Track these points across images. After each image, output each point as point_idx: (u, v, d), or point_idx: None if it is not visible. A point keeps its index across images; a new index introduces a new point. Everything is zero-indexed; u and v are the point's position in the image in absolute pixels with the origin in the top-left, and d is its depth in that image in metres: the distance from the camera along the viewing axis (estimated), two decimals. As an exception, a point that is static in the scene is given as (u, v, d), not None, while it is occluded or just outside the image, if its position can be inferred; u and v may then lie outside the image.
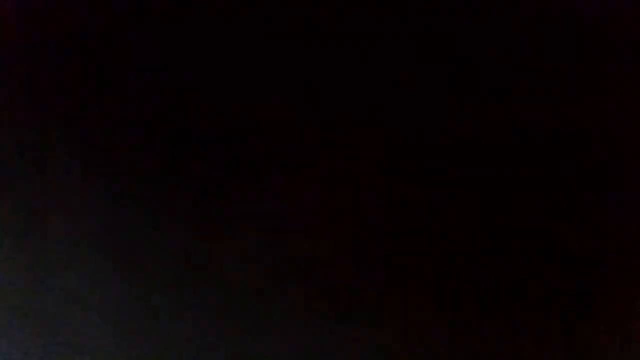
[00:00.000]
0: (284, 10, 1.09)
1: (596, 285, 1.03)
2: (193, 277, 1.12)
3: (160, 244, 1.13)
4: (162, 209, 1.13)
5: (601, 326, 1.03)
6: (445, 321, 1.06)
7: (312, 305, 1.09)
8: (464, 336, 1.06)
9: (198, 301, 1.12)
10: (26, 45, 1.17)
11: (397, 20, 1.06)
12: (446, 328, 1.06)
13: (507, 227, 1.04)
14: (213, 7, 1.11)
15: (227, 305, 1.11)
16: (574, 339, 1.03)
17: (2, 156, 1.19)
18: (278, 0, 1.09)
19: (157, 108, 1.13)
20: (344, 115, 1.07)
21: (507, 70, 1.03)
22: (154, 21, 1.13)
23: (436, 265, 1.06)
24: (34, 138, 1.17)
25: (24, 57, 1.18)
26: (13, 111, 1.18)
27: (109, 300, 1.13)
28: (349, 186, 1.08)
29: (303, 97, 1.08)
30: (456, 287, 1.05)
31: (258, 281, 1.10)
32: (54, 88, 1.17)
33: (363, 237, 1.08)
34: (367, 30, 1.07)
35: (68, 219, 1.16)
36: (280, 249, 1.10)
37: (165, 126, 1.13)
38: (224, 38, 1.11)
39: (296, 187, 1.09)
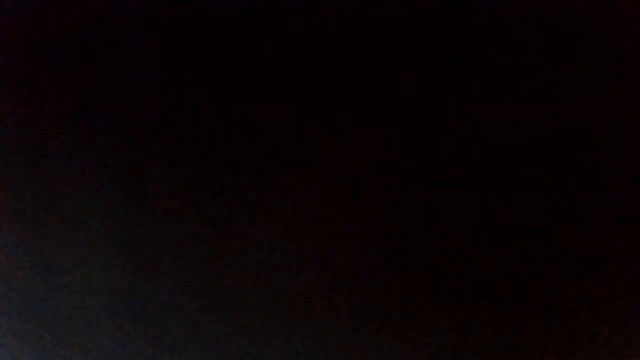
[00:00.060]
0: (284, 10, 1.09)
1: (596, 286, 1.03)
2: (193, 276, 1.12)
3: (160, 244, 1.13)
4: (162, 209, 1.13)
5: (601, 326, 1.03)
6: (445, 321, 1.06)
7: (311, 305, 1.09)
8: (464, 336, 1.06)
9: (198, 300, 1.12)
10: (26, 45, 1.17)
11: (397, 20, 1.06)
12: (446, 327, 1.06)
13: (507, 227, 1.04)
14: (213, 7, 1.11)
15: (228, 304, 1.11)
16: (573, 339, 1.03)
17: (3, 154, 1.19)
18: (278, 0, 1.09)
19: (157, 108, 1.13)
20: (344, 115, 1.07)
21: (507, 70, 1.03)
22: (154, 21, 1.13)
23: (436, 265, 1.06)
24: (35, 137, 1.17)
25: (24, 57, 1.18)
26: (15, 110, 1.18)
27: (113, 299, 1.13)
28: (349, 186, 1.08)
29: (303, 97, 1.08)
30: (456, 287, 1.05)
31: (258, 281, 1.10)
32: (55, 87, 1.17)
33: (363, 237, 1.08)
34: (367, 30, 1.06)
35: (70, 218, 1.16)
36: (281, 248, 1.10)
37: (165, 126, 1.13)
38: (224, 38, 1.11)
39: (296, 187, 1.09)
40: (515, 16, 1.02)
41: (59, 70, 1.16)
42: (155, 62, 1.13)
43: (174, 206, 1.12)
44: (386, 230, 1.07)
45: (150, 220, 1.13)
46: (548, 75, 1.02)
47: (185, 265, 1.12)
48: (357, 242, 1.08)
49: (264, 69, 1.10)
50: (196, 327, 1.12)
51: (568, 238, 1.03)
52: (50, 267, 1.16)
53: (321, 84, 1.08)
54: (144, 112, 1.13)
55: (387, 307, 1.07)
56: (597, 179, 1.02)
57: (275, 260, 1.10)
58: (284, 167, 1.09)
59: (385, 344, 1.07)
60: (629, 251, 1.02)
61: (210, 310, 1.12)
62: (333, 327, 1.09)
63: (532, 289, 1.04)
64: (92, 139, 1.15)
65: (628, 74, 1.01)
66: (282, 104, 1.09)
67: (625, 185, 1.02)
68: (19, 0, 1.17)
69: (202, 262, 1.12)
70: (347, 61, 1.07)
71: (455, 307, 1.05)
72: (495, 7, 1.02)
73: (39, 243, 1.17)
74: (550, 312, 1.04)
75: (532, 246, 1.04)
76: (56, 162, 1.16)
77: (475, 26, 1.03)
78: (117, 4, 1.14)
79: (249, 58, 1.10)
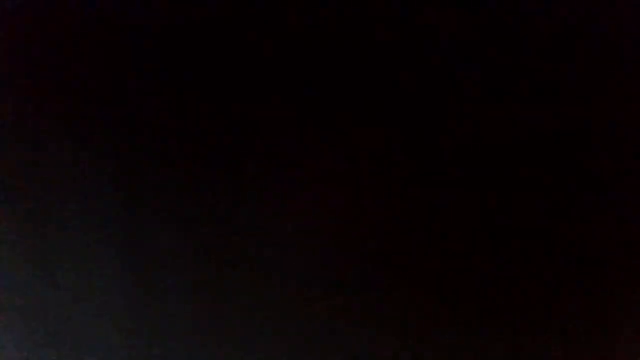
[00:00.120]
0: (284, 10, 1.09)
1: (596, 286, 1.03)
2: (192, 277, 1.12)
3: (159, 244, 1.13)
4: (161, 209, 1.13)
5: (601, 326, 1.03)
6: (445, 321, 1.06)
7: (311, 305, 1.09)
8: (464, 336, 1.06)
9: (198, 301, 1.12)
10: (26, 45, 1.18)
11: (397, 20, 1.06)
12: (446, 328, 1.06)
13: (507, 227, 1.04)
14: (213, 6, 1.11)
15: (229, 305, 1.11)
16: (573, 339, 1.03)
17: (3, 153, 1.19)
18: (278, 0, 1.09)
19: (156, 108, 1.13)
20: (344, 115, 1.08)
21: (507, 70, 1.03)
22: (154, 21, 1.13)
23: (436, 265, 1.06)
24: (35, 136, 1.17)
25: (24, 57, 1.18)
26: (14, 110, 1.18)
27: (113, 299, 1.14)
28: (349, 186, 1.08)
29: (303, 97, 1.08)
30: (456, 287, 1.06)
31: (258, 280, 1.10)
32: (55, 87, 1.17)
33: (363, 237, 1.08)
34: (367, 30, 1.06)
35: (70, 218, 1.16)
36: (281, 248, 1.10)
37: (165, 126, 1.13)
38: (223, 38, 1.11)
39: (296, 187, 1.09)
40: (515, 16, 1.02)
41: (56, 70, 1.16)
42: (155, 62, 1.13)
43: (172, 207, 1.12)
44: (386, 230, 1.07)
45: (151, 221, 1.13)
46: (548, 75, 1.02)
47: (185, 265, 1.12)
48: (357, 242, 1.08)
49: (263, 68, 1.10)
50: (197, 327, 1.12)
51: (568, 238, 1.03)
52: (49, 268, 1.16)
53: (321, 84, 1.08)
54: (143, 112, 1.13)
55: (386, 307, 1.07)
56: (597, 179, 1.02)
57: (275, 261, 1.10)
58: (283, 167, 1.09)
59: (385, 344, 1.07)
60: (629, 251, 1.02)
61: (212, 310, 1.12)
62: (333, 328, 1.09)
63: (532, 289, 1.04)
64: (92, 138, 1.15)
65: (628, 74, 1.01)
66: (282, 104, 1.09)
67: (625, 185, 1.02)
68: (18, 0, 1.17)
69: (202, 263, 1.12)
70: (347, 61, 1.07)
71: (455, 307, 1.05)
72: (495, 7, 1.02)
73: (37, 244, 1.17)
74: (550, 313, 1.04)
75: (532, 246, 1.04)
76: (58, 161, 1.16)
77: (475, 26, 1.03)
78: (117, 3, 1.14)
79: (249, 58, 1.10)
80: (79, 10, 1.15)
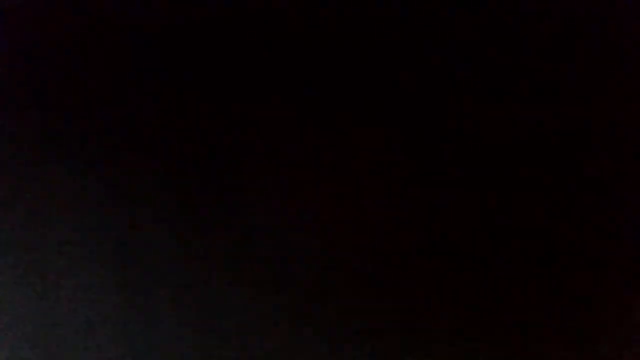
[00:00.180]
0: (284, 10, 1.09)
1: (596, 286, 1.03)
2: (192, 278, 1.12)
3: (159, 245, 1.13)
4: (161, 210, 1.13)
5: (601, 326, 1.03)
6: (445, 321, 1.06)
7: (311, 305, 1.09)
8: (463, 336, 1.05)
9: (198, 303, 1.12)
10: (26, 45, 1.17)
11: (397, 20, 1.06)
12: (446, 328, 1.06)
13: (507, 227, 1.04)
14: (213, 6, 1.11)
15: (227, 307, 1.11)
16: (573, 338, 1.03)
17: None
18: (278, 0, 1.09)
19: (156, 108, 1.13)
20: (344, 115, 1.07)
21: (507, 70, 1.03)
22: (155, 21, 1.13)
23: (436, 265, 1.06)
24: (33, 137, 1.17)
25: (24, 57, 1.18)
26: (13, 111, 1.18)
27: (109, 305, 1.13)
28: (349, 186, 1.08)
29: (303, 97, 1.08)
30: (456, 286, 1.05)
31: (258, 281, 1.10)
32: (54, 88, 1.16)
33: (363, 237, 1.08)
34: (367, 30, 1.06)
35: (68, 221, 1.15)
36: (280, 248, 1.10)
37: (165, 126, 1.13)
38: (224, 38, 1.11)
39: (296, 187, 1.09)
40: (515, 16, 1.02)
41: (59, 70, 1.16)
42: (155, 62, 1.13)
43: (173, 207, 1.12)
44: (386, 229, 1.07)
45: (150, 221, 1.13)
46: (548, 75, 1.02)
47: (184, 266, 1.12)
48: (357, 242, 1.08)
49: (264, 69, 1.10)
50: (197, 329, 1.12)
51: (568, 238, 1.03)
52: (48, 272, 1.16)
53: (321, 84, 1.08)
54: (143, 112, 1.13)
55: (386, 307, 1.07)
56: (597, 179, 1.02)
57: (275, 261, 1.10)
58: (283, 166, 1.09)
59: (385, 343, 1.07)
60: (629, 251, 1.02)
61: (211, 314, 1.12)
62: (332, 328, 1.08)
63: (532, 289, 1.04)
64: (91, 138, 1.15)
65: (628, 74, 1.01)
66: (282, 104, 1.09)
67: (626, 186, 1.02)
68: (18, 1, 1.17)
69: (201, 263, 1.12)
70: (347, 61, 1.07)
71: (455, 307, 1.05)
72: (495, 7, 1.02)
73: (37, 248, 1.17)
74: (550, 313, 1.04)
75: (532, 246, 1.04)
76: (55, 163, 1.16)
77: (475, 26, 1.03)
78: (117, 3, 1.14)
79: (249, 58, 1.10)
80: (79, 10, 1.14)
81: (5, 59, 1.19)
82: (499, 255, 1.04)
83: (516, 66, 1.02)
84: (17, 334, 1.14)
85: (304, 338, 1.09)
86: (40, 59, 1.17)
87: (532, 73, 1.02)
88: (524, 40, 1.02)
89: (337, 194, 1.08)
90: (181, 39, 1.12)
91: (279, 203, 1.09)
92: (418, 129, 1.05)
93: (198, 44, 1.11)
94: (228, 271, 1.11)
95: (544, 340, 1.04)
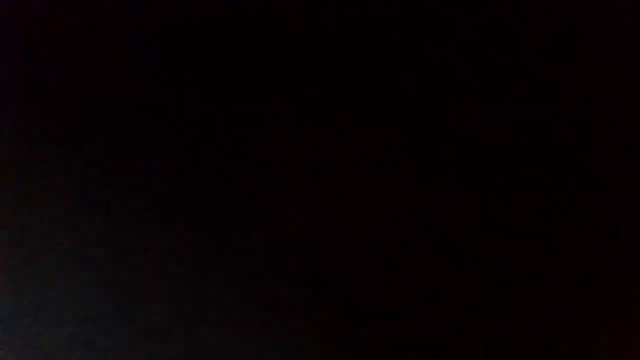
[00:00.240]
0: (284, 10, 1.09)
1: (596, 286, 1.03)
2: (193, 279, 1.12)
3: (158, 245, 1.13)
4: (159, 213, 1.13)
5: (601, 326, 1.03)
6: (445, 321, 1.06)
7: (311, 305, 1.09)
8: (463, 336, 1.05)
9: (192, 313, 1.12)
10: (26, 45, 1.17)
11: (397, 20, 1.06)
12: (445, 328, 1.06)
13: (507, 227, 1.04)
14: (213, 6, 1.11)
15: (222, 316, 1.11)
16: (573, 339, 1.03)
17: None
18: (278, 0, 1.09)
19: (156, 108, 1.13)
20: (344, 115, 1.07)
21: (507, 70, 1.03)
22: (155, 21, 1.13)
23: (436, 265, 1.06)
24: (33, 137, 1.17)
25: (23, 58, 1.18)
26: (13, 111, 1.18)
27: (97, 313, 1.13)
28: (349, 186, 1.08)
29: (303, 97, 1.08)
30: (456, 286, 1.05)
31: (257, 281, 1.10)
32: (54, 88, 1.17)
33: (363, 237, 1.08)
34: (367, 30, 1.06)
35: (63, 223, 1.15)
36: (280, 248, 1.10)
37: (165, 126, 1.13)
38: (224, 38, 1.11)
39: (296, 187, 1.09)
40: (515, 16, 1.02)
41: (57, 70, 1.16)
42: (155, 62, 1.13)
43: (173, 208, 1.12)
44: (386, 230, 1.07)
45: (150, 222, 1.13)
46: (548, 75, 1.02)
47: (183, 268, 1.12)
48: (357, 242, 1.08)
49: (264, 68, 1.10)
50: (197, 333, 1.12)
51: (568, 238, 1.03)
52: (27, 284, 1.16)
53: (321, 84, 1.08)
54: (143, 112, 1.13)
55: (386, 307, 1.07)
56: (597, 179, 1.02)
57: (275, 260, 1.10)
58: (283, 167, 1.09)
59: (385, 343, 1.07)
60: (629, 251, 1.02)
61: (211, 319, 1.12)
62: (332, 329, 1.08)
63: (532, 289, 1.04)
64: (88, 140, 1.15)
65: (628, 74, 1.01)
66: (282, 104, 1.09)
67: (625, 185, 1.02)
68: (17, 2, 1.17)
69: (200, 264, 1.12)
70: (347, 61, 1.07)
71: (455, 307, 1.05)
72: (495, 7, 1.02)
73: (27, 258, 1.17)
74: (550, 313, 1.04)
75: (532, 246, 1.04)
76: (51, 166, 1.16)
77: (475, 26, 1.03)
78: (117, 3, 1.14)
79: (249, 58, 1.10)
80: (79, 10, 1.14)
81: (5, 59, 1.19)
82: (499, 255, 1.04)
83: (516, 66, 1.02)
84: (2, 345, 1.14)
85: (304, 340, 1.09)
86: (40, 59, 1.17)
87: (532, 73, 1.02)
88: (524, 40, 1.02)
89: (337, 193, 1.08)
90: (181, 39, 1.12)
91: (278, 203, 1.10)
92: (418, 129, 1.05)
93: (198, 44, 1.12)
94: (224, 274, 1.11)
95: (544, 341, 1.04)
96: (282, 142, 1.10)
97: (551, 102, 1.02)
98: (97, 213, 1.14)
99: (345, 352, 1.08)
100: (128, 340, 1.11)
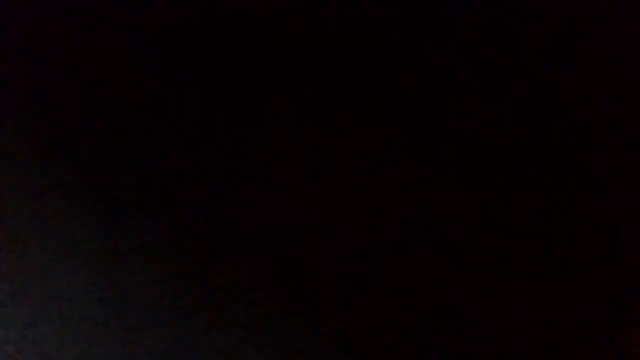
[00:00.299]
0: (284, 10, 1.09)
1: (596, 286, 1.03)
2: (192, 280, 1.12)
3: (156, 245, 1.13)
4: (160, 210, 1.13)
5: (601, 326, 1.03)
6: (445, 321, 1.06)
7: (310, 306, 1.09)
8: (463, 336, 1.05)
9: (187, 318, 1.12)
10: (26, 45, 1.17)
11: (397, 20, 1.06)
12: (445, 328, 1.06)
13: (507, 227, 1.04)
14: (213, 6, 1.11)
15: (225, 313, 1.11)
16: (573, 339, 1.03)
17: None
18: (278, 0, 1.09)
19: (156, 108, 1.13)
20: (344, 115, 1.07)
21: (507, 70, 1.03)
22: (155, 21, 1.13)
23: (435, 265, 1.06)
24: (33, 137, 1.17)
25: (24, 57, 1.18)
26: (13, 111, 1.18)
27: (88, 316, 1.13)
28: (349, 186, 1.08)
29: (303, 97, 1.08)
30: (455, 286, 1.05)
31: (256, 281, 1.10)
32: (54, 88, 1.17)
33: (362, 237, 1.08)
34: (367, 30, 1.06)
35: (63, 223, 1.15)
36: (280, 249, 1.10)
37: (165, 126, 1.13)
38: (224, 38, 1.11)
39: (296, 187, 1.09)
40: (515, 16, 1.02)
41: (56, 70, 1.16)
42: (154, 62, 1.13)
43: (172, 209, 1.12)
44: (386, 230, 1.07)
45: (149, 222, 1.13)
46: (548, 75, 1.02)
47: (183, 268, 1.12)
48: (357, 242, 1.08)
49: (264, 68, 1.10)
50: (177, 350, 1.12)
51: (568, 238, 1.03)
52: (24, 283, 1.16)
53: (321, 84, 1.08)
54: (142, 113, 1.13)
55: (386, 307, 1.07)
56: (597, 179, 1.02)
57: (275, 260, 1.10)
58: (283, 167, 1.09)
59: (385, 343, 1.07)
60: (629, 251, 1.02)
61: (211, 324, 1.12)
62: (332, 329, 1.08)
63: (532, 289, 1.04)
64: (87, 139, 1.15)
65: (628, 74, 1.01)
66: (282, 104, 1.09)
67: (625, 185, 1.02)
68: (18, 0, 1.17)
69: (199, 265, 1.12)
70: (347, 61, 1.07)
71: (454, 307, 1.05)
72: (495, 7, 1.02)
73: (27, 254, 1.17)
74: (550, 312, 1.04)
75: (532, 246, 1.04)
76: (47, 167, 1.16)
77: (475, 26, 1.03)
78: (117, 3, 1.14)
79: (249, 58, 1.10)
80: (79, 10, 1.14)
81: (6, 59, 1.19)
82: (499, 255, 1.04)
83: (516, 66, 1.02)
84: None
85: (303, 340, 1.09)
86: (40, 59, 1.17)
87: (532, 73, 1.02)
88: (524, 40, 1.02)
89: (337, 194, 1.08)
90: (181, 39, 1.12)
91: (278, 203, 1.10)
92: (418, 129, 1.05)
93: (198, 44, 1.12)
94: (224, 275, 1.11)
95: (544, 340, 1.04)
96: (282, 142, 1.10)
97: (551, 102, 1.02)
98: (96, 213, 1.14)
99: (345, 352, 1.08)
100: (123, 339, 1.11)
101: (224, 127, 1.11)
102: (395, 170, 1.06)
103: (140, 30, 1.13)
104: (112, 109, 1.15)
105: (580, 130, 1.02)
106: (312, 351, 1.09)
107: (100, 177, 1.14)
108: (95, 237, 1.14)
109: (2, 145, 1.18)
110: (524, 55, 1.02)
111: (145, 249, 1.13)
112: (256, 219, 1.10)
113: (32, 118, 1.17)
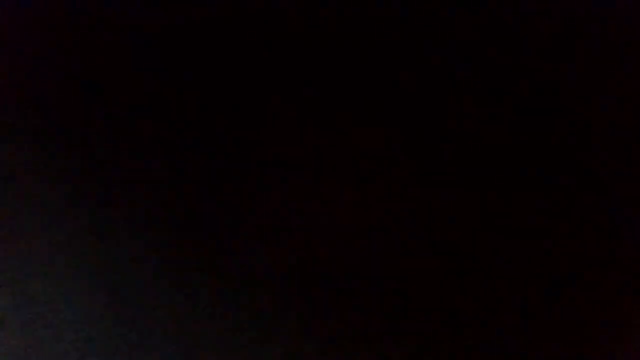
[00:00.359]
0: (284, 10, 1.09)
1: (596, 286, 1.03)
2: (191, 279, 1.12)
3: (156, 245, 1.13)
4: (159, 210, 1.13)
5: (601, 327, 1.03)
6: (444, 321, 1.06)
7: (311, 305, 1.09)
8: (463, 336, 1.06)
9: (197, 307, 1.12)
10: (26, 45, 1.17)
11: (397, 20, 1.06)
12: (445, 328, 1.06)
13: (507, 227, 1.04)
14: (213, 6, 1.11)
15: (226, 313, 1.11)
16: (573, 339, 1.03)
17: None
18: (278, 0, 1.09)
19: (156, 108, 1.13)
20: (344, 115, 1.07)
21: (507, 70, 1.03)
22: (155, 21, 1.13)
23: (435, 265, 1.06)
24: (33, 138, 1.17)
25: (24, 57, 1.18)
26: (13, 111, 1.18)
27: (94, 314, 1.13)
28: (349, 186, 1.08)
29: (303, 97, 1.08)
30: (455, 287, 1.06)
31: (256, 281, 1.10)
32: (54, 88, 1.17)
33: (362, 237, 1.08)
34: (367, 30, 1.07)
35: (62, 224, 1.16)
36: (280, 249, 1.10)
37: (165, 126, 1.13)
38: (224, 38, 1.11)
39: (295, 187, 1.09)
40: (515, 16, 1.02)
41: (54, 71, 1.16)
42: (154, 62, 1.13)
43: (172, 209, 1.12)
44: (386, 230, 1.07)
45: (148, 222, 1.13)
46: (548, 75, 1.02)
47: (182, 268, 1.12)
48: (356, 242, 1.08)
49: (264, 68, 1.10)
50: (186, 351, 1.12)
51: (568, 238, 1.03)
52: (23, 280, 1.16)
53: (321, 84, 1.08)
54: (142, 113, 1.13)
55: (386, 307, 1.07)
56: (597, 179, 1.02)
57: (275, 261, 1.10)
58: (283, 167, 1.09)
59: (385, 344, 1.07)
60: (629, 251, 1.02)
61: (203, 335, 1.12)
62: (331, 329, 1.08)
63: (532, 289, 1.04)
64: (85, 139, 1.15)
65: (628, 74, 1.01)
66: (282, 104, 1.09)
67: (625, 185, 1.02)
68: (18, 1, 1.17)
69: (199, 265, 1.12)
70: (347, 61, 1.07)
71: (455, 307, 1.05)
72: (495, 7, 1.02)
73: (27, 254, 1.17)
74: (550, 313, 1.04)
75: (532, 246, 1.04)
76: (50, 166, 1.16)
77: (475, 26, 1.03)
78: (117, 3, 1.14)
79: (249, 58, 1.10)
80: (79, 10, 1.15)
81: (6, 59, 1.19)
82: (499, 255, 1.04)
83: (516, 66, 1.02)
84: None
85: (303, 340, 1.09)
86: (40, 59, 1.17)
87: (532, 73, 1.02)
88: (524, 40, 1.02)
89: (337, 194, 1.08)
90: (181, 39, 1.12)
91: (278, 203, 1.10)
92: (418, 129, 1.05)
93: (198, 44, 1.12)
94: (224, 275, 1.11)
95: (544, 341, 1.04)
96: (282, 142, 1.10)
97: (551, 102, 1.02)
98: (96, 212, 1.14)
99: (345, 352, 1.08)
100: (123, 337, 1.11)
101: (224, 127, 1.11)
102: (395, 170, 1.06)
103: (140, 30, 1.13)
104: (112, 109, 1.15)
105: (580, 130, 1.02)
106: (311, 351, 1.09)
107: (100, 178, 1.14)
108: (95, 238, 1.14)
109: (2, 145, 1.18)
110: (524, 55, 1.02)
111: (145, 249, 1.13)
112: (256, 219, 1.10)
113: (32, 118, 1.17)
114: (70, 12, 1.16)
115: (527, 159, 1.03)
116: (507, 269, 1.05)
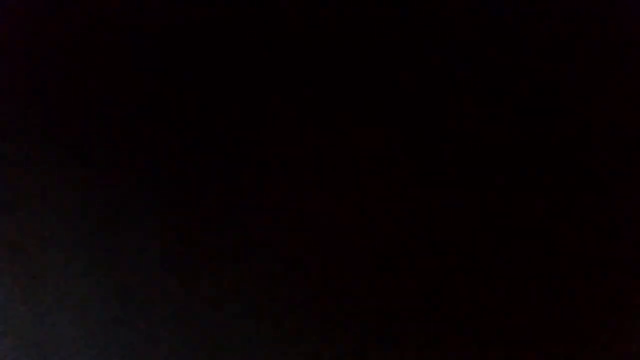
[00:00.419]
0: (284, 10, 1.09)
1: (596, 286, 1.03)
2: (191, 279, 1.12)
3: (156, 244, 1.13)
4: (159, 210, 1.13)
5: (601, 326, 1.03)
6: (444, 321, 1.06)
7: (310, 306, 1.09)
8: (463, 336, 1.06)
9: (196, 307, 1.12)
10: (26, 45, 1.17)
11: (397, 20, 1.06)
12: (445, 328, 1.06)
13: (507, 227, 1.04)
14: (213, 6, 1.11)
15: (226, 313, 1.11)
16: (573, 339, 1.03)
17: None
18: (278, 1, 1.09)
19: (156, 108, 1.13)
20: (344, 115, 1.08)
21: (507, 70, 1.03)
22: (155, 21, 1.13)
23: (435, 265, 1.06)
24: (33, 137, 1.17)
25: (24, 57, 1.18)
26: (13, 111, 1.18)
27: (94, 315, 1.13)
28: (349, 186, 1.08)
29: (303, 97, 1.08)
30: (455, 286, 1.06)
31: (255, 282, 1.10)
32: (54, 88, 1.17)
33: (362, 237, 1.08)
34: (367, 30, 1.07)
35: (63, 222, 1.16)
36: (280, 249, 1.10)
37: (165, 126, 1.13)
38: (224, 38, 1.11)
39: (296, 187, 1.09)
40: (515, 16, 1.02)
41: (54, 71, 1.16)
42: (154, 62, 1.13)
43: (172, 209, 1.12)
44: (385, 230, 1.07)
45: (148, 221, 1.13)
46: (548, 75, 1.02)
47: (182, 268, 1.12)
48: (356, 242, 1.08)
49: (264, 68, 1.10)
50: (187, 350, 1.12)
51: (568, 238, 1.03)
52: (23, 279, 1.16)
53: (321, 84, 1.08)
54: (142, 113, 1.13)
55: (386, 307, 1.07)
56: (597, 179, 1.02)
57: (275, 261, 1.10)
58: (283, 167, 1.09)
59: (385, 344, 1.07)
60: (629, 251, 1.02)
61: (204, 333, 1.12)
62: (331, 329, 1.08)
63: (532, 289, 1.04)
64: (86, 139, 1.15)
65: (628, 74, 1.01)
66: (282, 104, 1.09)
67: (625, 185, 1.02)
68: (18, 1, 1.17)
69: (198, 266, 1.12)
70: (347, 61, 1.07)
71: (454, 308, 1.05)
72: (495, 7, 1.02)
73: (27, 253, 1.17)
74: (550, 312, 1.04)
75: (532, 246, 1.04)
76: (50, 166, 1.16)
77: (475, 26, 1.03)
78: (116, 3, 1.14)
79: (249, 58, 1.10)
80: (79, 10, 1.15)
81: (6, 59, 1.19)
82: (499, 255, 1.04)
83: (516, 66, 1.02)
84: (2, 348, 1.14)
85: (302, 340, 1.09)
86: (40, 59, 1.17)
87: (532, 73, 1.02)
88: (524, 40, 1.02)
89: (337, 194, 1.08)
90: (181, 39, 1.12)
91: (278, 203, 1.10)
92: (418, 129, 1.05)
93: (198, 44, 1.12)
94: (223, 275, 1.11)
95: (544, 341, 1.04)
96: (282, 142, 1.10)
97: (551, 102, 1.02)
98: (95, 212, 1.14)
99: (345, 352, 1.08)
100: (126, 344, 1.11)
101: (224, 127, 1.11)
102: (395, 170, 1.06)
103: (140, 30, 1.13)
104: (112, 109, 1.15)
105: (580, 130, 1.02)
106: (310, 351, 1.09)
107: (99, 178, 1.14)
108: (95, 238, 1.14)
109: (2, 145, 1.18)
110: (524, 55, 1.02)
111: (145, 249, 1.13)
112: (256, 219, 1.10)
113: (32, 118, 1.17)
114: (70, 12, 1.16)
115: (527, 159, 1.03)
116: (507, 269, 1.05)
